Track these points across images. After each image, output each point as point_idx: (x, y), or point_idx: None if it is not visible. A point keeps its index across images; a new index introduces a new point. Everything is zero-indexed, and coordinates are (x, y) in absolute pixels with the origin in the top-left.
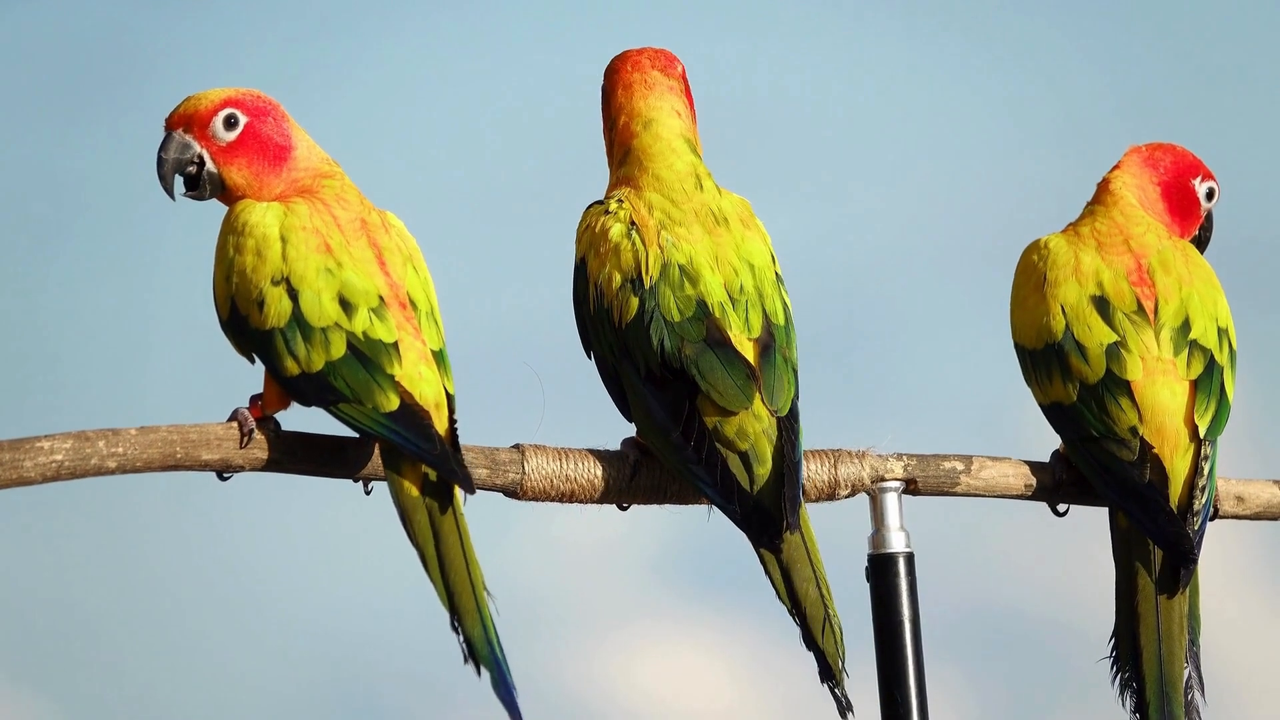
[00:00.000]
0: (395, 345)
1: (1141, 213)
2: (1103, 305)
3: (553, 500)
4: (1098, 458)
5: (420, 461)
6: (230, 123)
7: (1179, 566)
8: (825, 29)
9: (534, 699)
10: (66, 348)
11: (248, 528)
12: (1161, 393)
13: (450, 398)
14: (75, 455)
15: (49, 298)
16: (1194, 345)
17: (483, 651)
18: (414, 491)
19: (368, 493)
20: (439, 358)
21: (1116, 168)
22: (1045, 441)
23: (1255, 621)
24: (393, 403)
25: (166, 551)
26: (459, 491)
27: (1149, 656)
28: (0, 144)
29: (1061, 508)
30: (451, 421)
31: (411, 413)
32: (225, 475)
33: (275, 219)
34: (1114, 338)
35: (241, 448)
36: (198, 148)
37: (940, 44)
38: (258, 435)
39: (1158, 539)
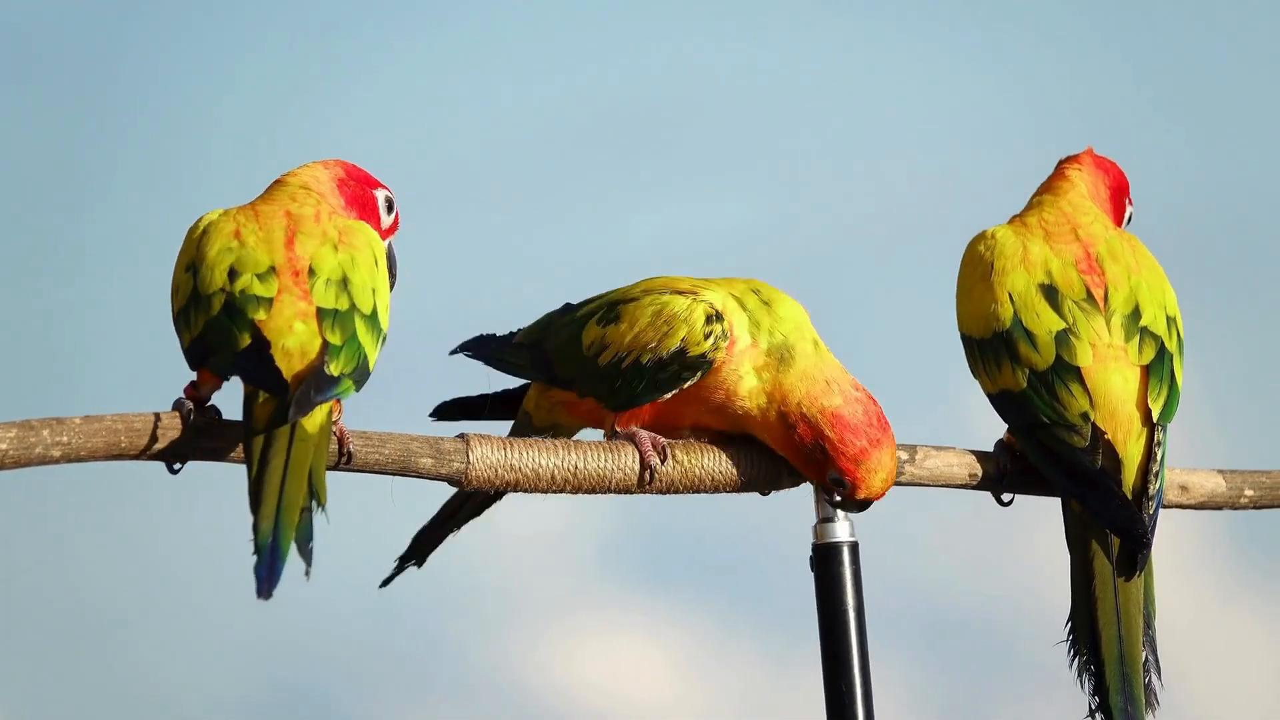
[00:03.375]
0: (269, 300)
1: (1089, 203)
2: (1051, 293)
3: (497, 489)
4: (1047, 445)
5: (249, 385)
6: None
7: (1135, 551)
8: (792, 11)
9: (475, 688)
10: (11, 337)
11: (195, 517)
12: (1114, 379)
13: (330, 346)
14: (19, 444)
15: None
16: (1145, 332)
17: (262, 541)
18: (259, 422)
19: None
20: (334, 315)
21: (1075, 160)
22: (990, 431)
23: (1200, 613)
24: (244, 342)
25: (114, 541)
26: (312, 421)
27: (1108, 639)
28: None
29: (1006, 497)
30: (321, 366)
31: (256, 350)
32: (175, 468)
33: (209, 219)
34: (1063, 325)
35: (184, 428)
36: None
37: (907, 30)
38: (197, 421)
39: (1111, 525)
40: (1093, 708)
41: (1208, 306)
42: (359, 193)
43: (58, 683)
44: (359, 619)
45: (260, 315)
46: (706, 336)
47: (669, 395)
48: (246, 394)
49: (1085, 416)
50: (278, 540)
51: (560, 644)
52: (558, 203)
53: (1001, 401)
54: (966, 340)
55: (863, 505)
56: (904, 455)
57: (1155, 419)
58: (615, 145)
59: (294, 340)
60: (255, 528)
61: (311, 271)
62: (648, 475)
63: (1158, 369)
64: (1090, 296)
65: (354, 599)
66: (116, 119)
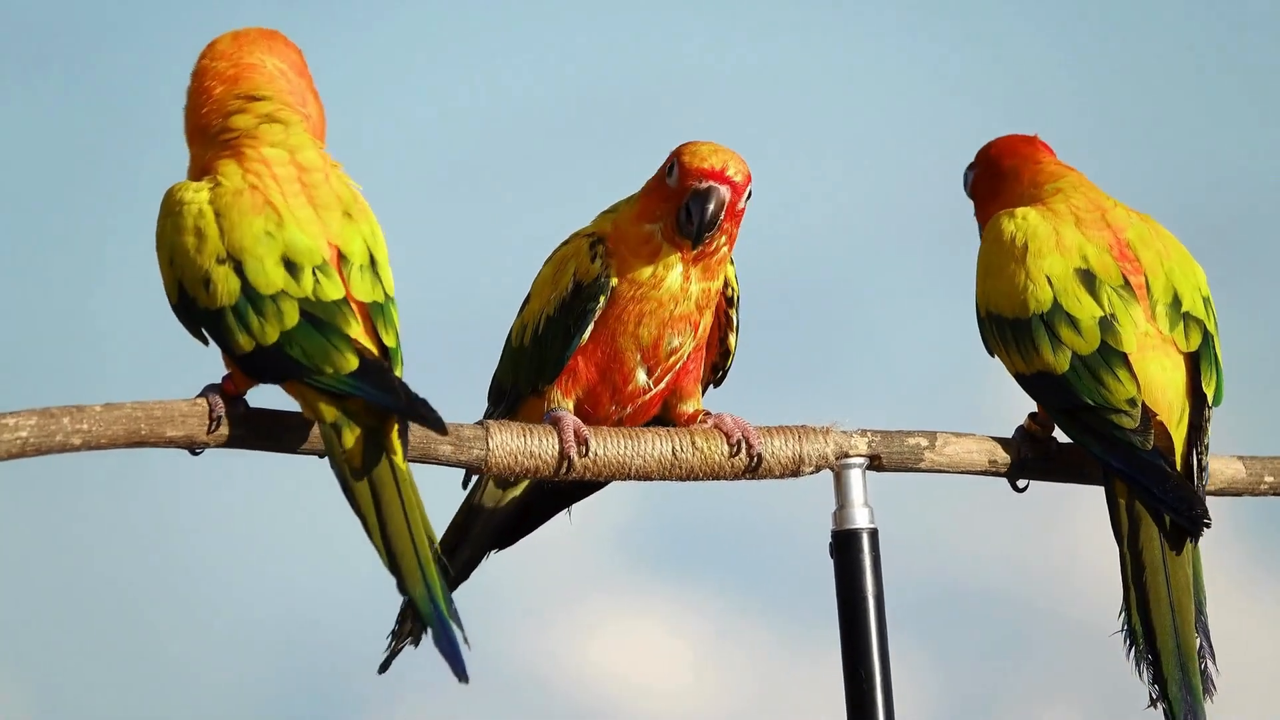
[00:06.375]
0: (345, 302)
1: (1099, 189)
2: (1089, 279)
3: (517, 476)
4: (1094, 426)
5: (378, 414)
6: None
7: (1191, 532)
8: (773, 4)
9: (489, 674)
10: (31, 325)
11: (213, 504)
12: (1152, 366)
13: (389, 351)
14: (40, 432)
15: (11, 276)
16: (1188, 317)
17: (425, 609)
18: (354, 462)
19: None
20: (379, 311)
21: (1050, 152)
22: (1010, 415)
23: (1218, 601)
24: (352, 362)
25: (129, 528)
26: (400, 457)
27: (1162, 629)
28: None
29: (1021, 484)
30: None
31: (373, 367)
32: (197, 451)
33: (206, 195)
34: (1102, 312)
35: (209, 433)
36: None
37: (901, 13)
38: (228, 414)
39: (1168, 506)
40: (1153, 697)
41: (1225, 291)
42: (304, 69)
43: (80, 669)
44: (370, 606)
45: (353, 328)
46: (594, 259)
47: (586, 335)
48: (329, 424)
49: (1132, 401)
50: (438, 607)
51: (575, 631)
52: (541, 192)
53: (1038, 383)
54: (994, 319)
55: (706, 193)
56: (924, 442)
57: (1211, 402)
58: (597, 134)
59: (371, 349)
60: (406, 592)
61: (342, 257)
62: (564, 467)
63: (1207, 353)
64: (1127, 284)
65: (365, 587)
66: (112, 110)
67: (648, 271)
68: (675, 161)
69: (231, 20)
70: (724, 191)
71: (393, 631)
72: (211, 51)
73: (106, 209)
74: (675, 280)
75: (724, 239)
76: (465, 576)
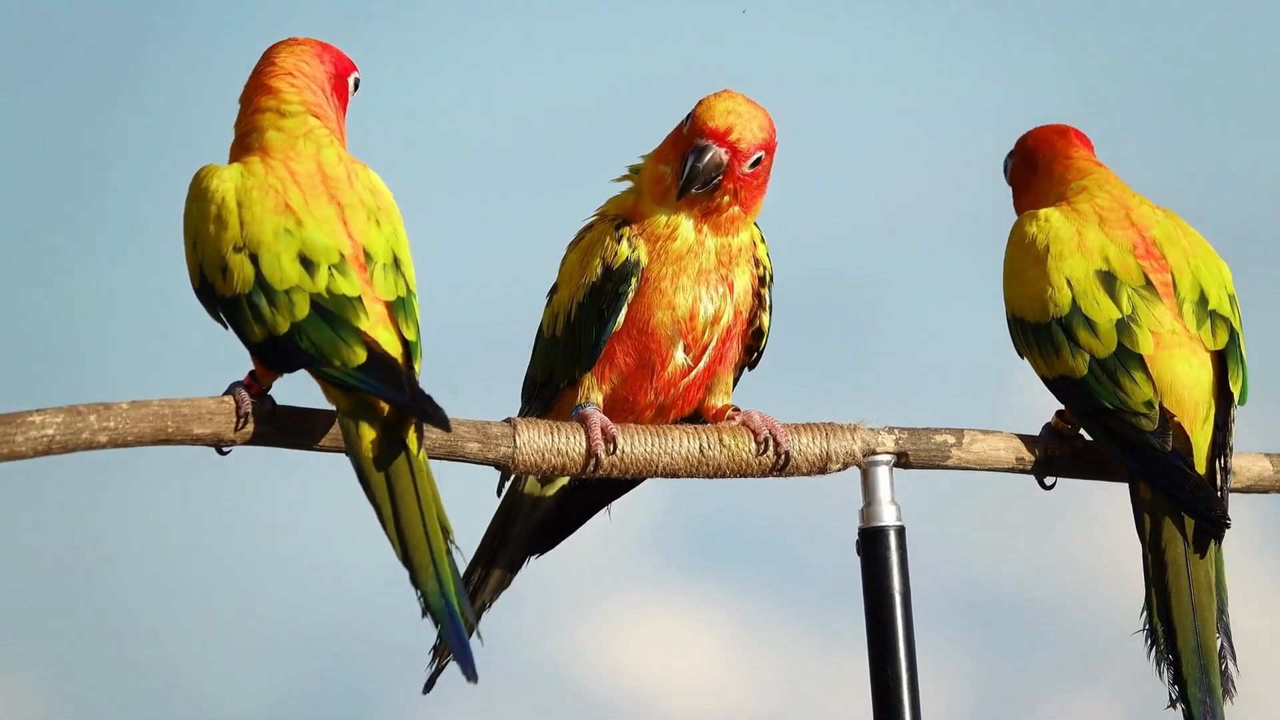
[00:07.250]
0: (360, 299)
1: (1126, 186)
2: (1109, 280)
3: (545, 474)
4: (1114, 429)
5: (394, 407)
6: None
7: (1212, 533)
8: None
9: (518, 671)
10: (59, 323)
11: (241, 501)
12: (1178, 366)
13: (409, 344)
14: (66, 429)
15: (40, 274)
16: (1214, 315)
17: (435, 603)
18: (370, 453)
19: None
20: (400, 306)
21: (1085, 144)
22: (1037, 412)
23: (1248, 597)
24: (360, 356)
25: (159, 526)
26: (416, 448)
27: (1183, 629)
28: None
29: (1049, 481)
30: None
31: (381, 362)
32: (224, 450)
33: (232, 183)
34: (1120, 314)
35: (236, 430)
36: None
37: (935, 10)
38: (255, 413)
39: (1187, 507)
40: (1173, 698)
41: (1255, 287)
42: (341, 85)
43: (99, 669)
44: (392, 604)
45: (363, 322)
46: (619, 240)
47: (621, 319)
48: (346, 414)
49: (1150, 404)
50: (449, 602)
51: (604, 629)
52: (567, 192)
53: (1060, 386)
54: (1019, 323)
55: (701, 149)
56: (951, 439)
57: (1236, 401)
58: (620, 134)
59: (391, 347)
60: (419, 587)
61: (367, 255)
62: (591, 464)
63: (1233, 352)
64: (1149, 283)
65: (387, 584)
66: (150, 106)
67: (663, 220)
68: (692, 111)
69: (283, 18)
70: (721, 154)
71: (434, 648)
72: (259, 60)
73: (130, 208)
74: (689, 230)
75: (726, 199)
76: (507, 584)
